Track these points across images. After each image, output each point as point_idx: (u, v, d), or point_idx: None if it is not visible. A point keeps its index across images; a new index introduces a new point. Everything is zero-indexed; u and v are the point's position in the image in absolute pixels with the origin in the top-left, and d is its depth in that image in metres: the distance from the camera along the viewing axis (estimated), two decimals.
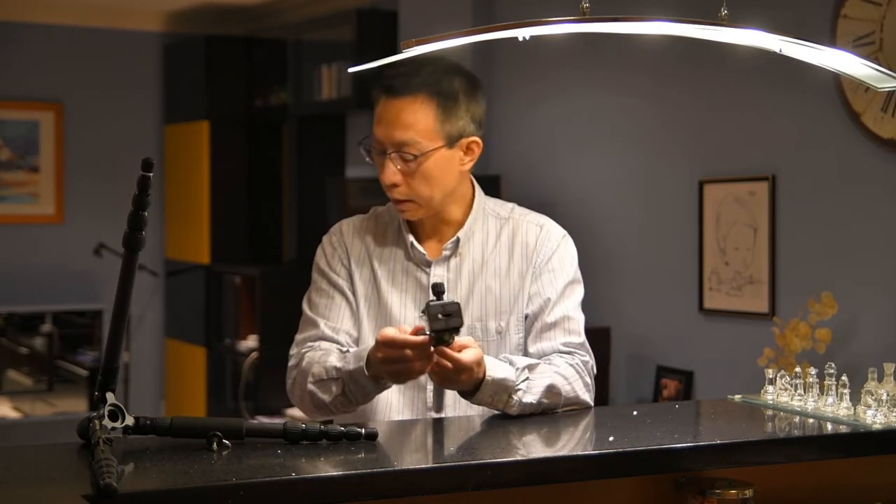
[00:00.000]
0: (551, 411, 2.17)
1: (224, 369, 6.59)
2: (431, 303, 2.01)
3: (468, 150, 2.28)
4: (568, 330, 2.27)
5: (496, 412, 2.18)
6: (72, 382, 6.75)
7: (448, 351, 2.03)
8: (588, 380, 2.23)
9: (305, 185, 6.62)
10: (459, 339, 2.05)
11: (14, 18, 6.70)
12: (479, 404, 2.13)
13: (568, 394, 2.18)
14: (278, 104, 6.69)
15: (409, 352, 2.03)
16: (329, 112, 6.37)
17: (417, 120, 2.21)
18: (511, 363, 2.16)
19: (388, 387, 2.19)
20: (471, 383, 2.09)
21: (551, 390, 2.15)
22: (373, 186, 5.85)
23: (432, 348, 2.03)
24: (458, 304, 2.02)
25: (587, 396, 2.22)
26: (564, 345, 2.25)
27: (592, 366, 2.27)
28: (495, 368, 2.10)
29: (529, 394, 2.13)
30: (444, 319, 2.00)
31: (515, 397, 2.12)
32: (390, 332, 2.05)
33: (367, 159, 2.30)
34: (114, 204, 6.61)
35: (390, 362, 2.05)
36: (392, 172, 2.23)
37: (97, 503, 1.51)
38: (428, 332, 2.02)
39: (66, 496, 1.55)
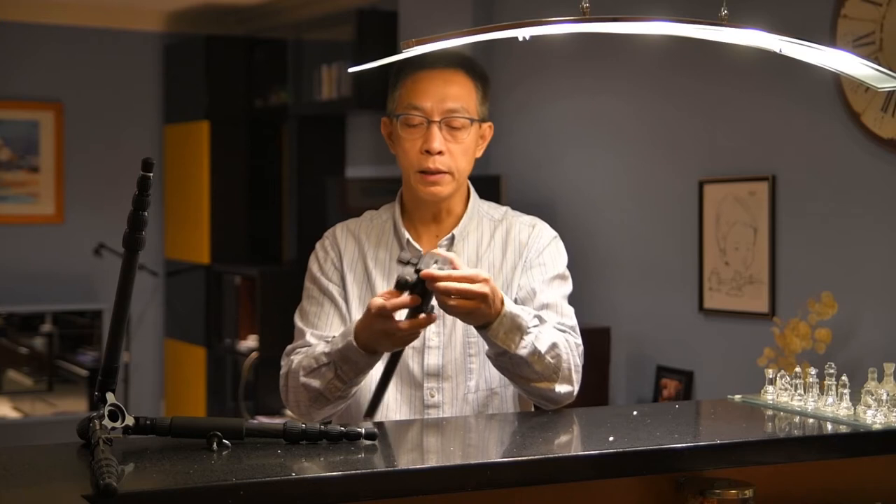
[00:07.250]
0: (546, 381, 2.16)
1: (224, 369, 6.59)
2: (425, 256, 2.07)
3: (482, 135, 2.33)
4: (561, 313, 2.28)
5: (490, 412, 2.18)
6: (72, 382, 6.75)
7: (435, 273, 2.02)
8: (578, 362, 2.23)
9: (305, 185, 6.62)
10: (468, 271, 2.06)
11: (14, 18, 6.70)
12: (492, 339, 2.10)
13: (563, 362, 2.17)
14: (278, 104, 6.69)
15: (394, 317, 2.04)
16: (329, 112, 6.37)
17: (466, 91, 2.28)
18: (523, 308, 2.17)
19: (381, 357, 2.17)
20: (487, 315, 2.07)
21: (555, 348, 2.16)
22: (373, 186, 5.90)
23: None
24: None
25: (575, 377, 2.21)
26: (559, 324, 2.26)
27: (582, 351, 2.27)
28: (512, 305, 2.11)
29: (539, 341, 2.13)
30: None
31: (527, 338, 2.11)
32: (378, 301, 2.05)
33: (401, 132, 2.27)
34: (114, 204, 6.62)
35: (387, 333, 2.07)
36: (441, 140, 2.25)
37: (97, 503, 1.51)
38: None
39: (66, 496, 1.55)
